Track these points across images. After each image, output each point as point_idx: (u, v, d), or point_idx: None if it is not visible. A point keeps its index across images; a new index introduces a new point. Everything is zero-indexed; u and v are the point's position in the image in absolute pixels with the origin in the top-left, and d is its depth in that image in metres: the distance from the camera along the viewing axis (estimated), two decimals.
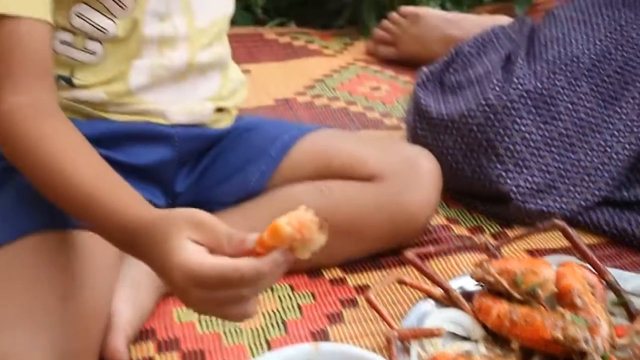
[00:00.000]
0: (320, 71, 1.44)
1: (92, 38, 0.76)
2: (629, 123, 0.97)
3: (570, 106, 0.96)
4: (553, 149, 0.95)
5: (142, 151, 0.80)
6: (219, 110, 0.87)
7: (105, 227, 0.63)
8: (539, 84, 0.96)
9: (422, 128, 1.02)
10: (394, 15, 1.47)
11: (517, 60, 1.00)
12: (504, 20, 1.42)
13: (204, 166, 0.88)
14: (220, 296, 0.54)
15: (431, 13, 1.45)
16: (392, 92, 1.36)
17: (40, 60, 0.67)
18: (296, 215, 0.54)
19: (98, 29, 0.75)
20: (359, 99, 1.33)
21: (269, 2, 1.63)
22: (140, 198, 0.64)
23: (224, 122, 0.88)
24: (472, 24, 1.39)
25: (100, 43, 0.76)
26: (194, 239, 0.54)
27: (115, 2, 0.74)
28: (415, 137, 1.04)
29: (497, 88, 0.97)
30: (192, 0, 0.80)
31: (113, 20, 0.75)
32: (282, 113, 1.28)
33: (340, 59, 1.50)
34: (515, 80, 0.97)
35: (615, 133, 0.97)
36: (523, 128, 0.95)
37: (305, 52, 1.53)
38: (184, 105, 0.83)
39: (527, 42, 1.04)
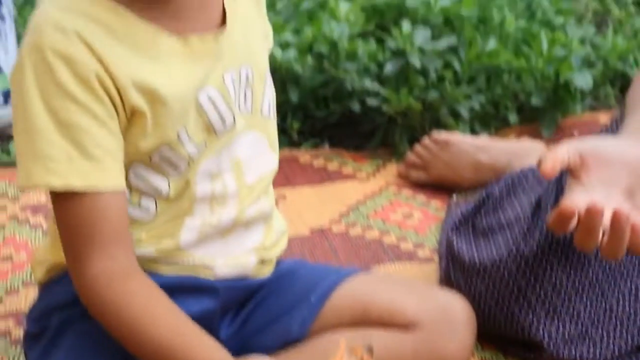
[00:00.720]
0: (354, 196, 1.45)
1: (146, 196, 0.80)
2: None
3: (601, 257, 0.95)
4: (584, 296, 0.96)
5: (188, 302, 0.83)
6: (262, 261, 0.90)
7: None
8: (568, 234, 0.97)
9: (455, 272, 1.04)
10: (425, 141, 1.50)
11: (546, 207, 1.01)
12: (531, 146, 1.46)
13: (246, 314, 0.91)
14: None
15: (461, 140, 1.48)
16: (424, 220, 1.37)
17: (120, 227, 0.74)
18: None
19: (153, 188, 0.79)
20: (392, 228, 1.34)
21: (304, 125, 1.65)
22: (216, 346, 0.71)
23: (266, 272, 0.92)
24: (500, 150, 1.43)
25: (155, 201, 0.80)
26: None
27: (170, 164, 0.78)
28: (448, 281, 1.06)
29: (527, 236, 0.99)
30: (241, 159, 0.84)
31: (167, 181, 0.79)
32: (318, 244, 1.29)
33: (373, 183, 1.51)
34: (545, 228, 0.98)
35: None
36: (553, 276, 0.96)
37: (339, 176, 1.54)
38: (230, 259, 0.86)
39: (555, 187, 1.05)
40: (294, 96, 1.61)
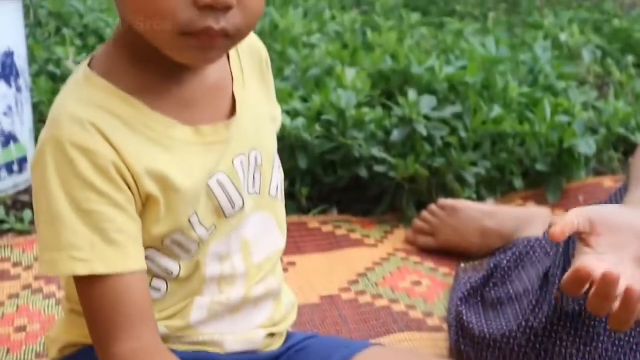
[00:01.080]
0: (363, 263, 1.45)
1: (157, 277, 0.81)
2: None
3: (609, 327, 0.95)
4: None
5: None
6: (271, 335, 0.90)
7: None
8: (577, 307, 0.97)
9: (466, 344, 1.04)
10: (432, 207, 1.52)
11: (554, 280, 1.01)
12: (537, 212, 1.47)
13: None
14: None
15: (468, 206, 1.49)
16: (432, 287, 1.37)
17: (144, 306, 0.75)
18: None
19: (164, 270, 0.80)
20: (401, 296, 1.34)
21: (312, 190, 1.67)
22: None
23: (275, 345, 0.91)
24: (506, 216, 1.44)
25: (166, 282, 0.81)
26: None
27: (181, 247, 0.79)
28: (459, 352, 1.06)
29: (536, 309, 0.99)
30: (249, 239, 0.84)
31: (178, 263, 0.80)
32: (328, 312, 1.28)
33: (381, 249, 1.51)
34: (554, 302, 0.98)
35: None
36: (563, 350, 0.96)
37: (348, 243, 1.54)
38: (239, 335, 0.86)
39: (562, 259, 1.05)
40: (302, 163, 1.63)
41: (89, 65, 0.77)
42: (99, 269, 0.71)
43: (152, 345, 0.75)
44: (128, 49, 0.76)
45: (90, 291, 0.73)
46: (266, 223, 0.87)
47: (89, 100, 0.73)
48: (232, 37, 0.72)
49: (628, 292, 0.80)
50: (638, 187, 1.03)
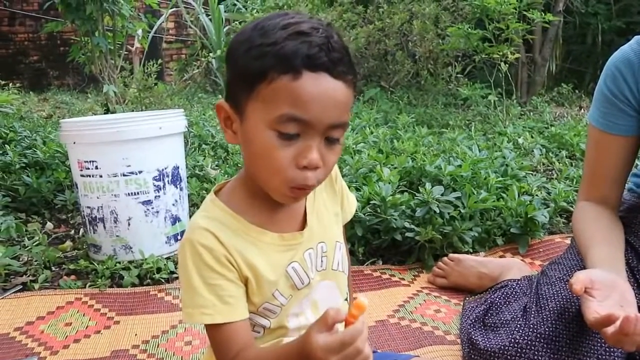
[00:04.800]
0: (401, 297, 1.44)
1: (257, 326, 0.79)
2: (607, 348, 0.95)
3: (568, 341, 0.97)
4: None
5: None
6: None
7: None
8: (546, 328, 0.98)
9: (474, 354, 1.04)
10: (444, 259, 1.53)
11: (531, 311, 1.03)
12: (513, 261, 1.47)
13: None
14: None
15: (469, 258, 1.50)
16: (448, 313, 1.36)
17: (246, 339, 0.74)
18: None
19: (260, 325, 0.79)
20: (428, 320, 1.33)
21: (366, 249, 1.69)
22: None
23: None
24: (494, 265, 1.45)
25: (263, 329, 0.79)
26: None
27: (269, 311, 0.78)
28: None
29: (520, 331, 0.99)
30: (318, 300, 0.81)
31: (269, 320, 0.78)
32: (381, 332, 1.28)
33: (412, 288, 1.51)
34: (531, 325, 0.99)
35: (603, 352, 0.94)
36: (540, 358, 0.96)
37: (391, 283, 1.54)
38: None
39: (535, 296, 1.07)
40: (359, 231, 1.67)
41: (215, 192, 0.79)
42: (218, 320, 0.72)
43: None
44: (244, 186, 0.77)
45: (214, 333, 0.74)
46: (330, 288, 0.83)
47: (211, 216, 0.75)
48: (315, 186, 0.72)
49: (626, 317, 0.80)
50: (594, 248, 1.02)
